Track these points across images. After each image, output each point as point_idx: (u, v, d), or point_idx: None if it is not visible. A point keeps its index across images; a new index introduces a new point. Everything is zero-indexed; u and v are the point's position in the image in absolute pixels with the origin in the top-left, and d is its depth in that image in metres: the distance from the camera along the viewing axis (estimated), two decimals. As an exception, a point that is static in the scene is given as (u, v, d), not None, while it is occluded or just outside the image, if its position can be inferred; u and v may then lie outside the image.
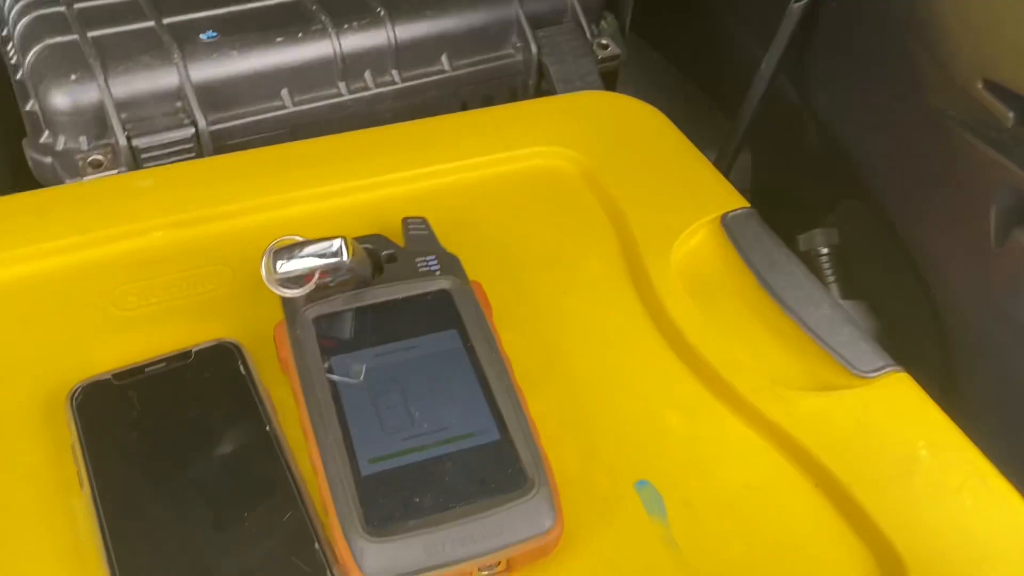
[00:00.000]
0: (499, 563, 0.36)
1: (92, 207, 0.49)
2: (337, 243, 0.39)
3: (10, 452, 0.39)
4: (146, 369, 0.41)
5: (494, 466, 0.37)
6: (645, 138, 0.55)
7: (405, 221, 0.47)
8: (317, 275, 0.39)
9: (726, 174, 0.57)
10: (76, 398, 0.40)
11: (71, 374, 0.41)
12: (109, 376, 0.41)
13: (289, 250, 0.39)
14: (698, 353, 0.44)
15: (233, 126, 0.59)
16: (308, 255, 0.39)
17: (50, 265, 0.46)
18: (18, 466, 0.39)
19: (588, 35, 0.67)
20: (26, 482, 0.38)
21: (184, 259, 0.47)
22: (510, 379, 0.40)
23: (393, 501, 0.36)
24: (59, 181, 0.57)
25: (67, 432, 0.39)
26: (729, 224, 0.49)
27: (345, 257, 0.39)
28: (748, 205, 0.50)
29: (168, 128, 0.57)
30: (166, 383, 0.41)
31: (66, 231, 0.47)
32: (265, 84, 0.60)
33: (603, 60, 0.67)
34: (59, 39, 0.58)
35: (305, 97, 0.61)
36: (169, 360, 0.41)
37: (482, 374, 0.40)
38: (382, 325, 0.41)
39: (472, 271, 0.44)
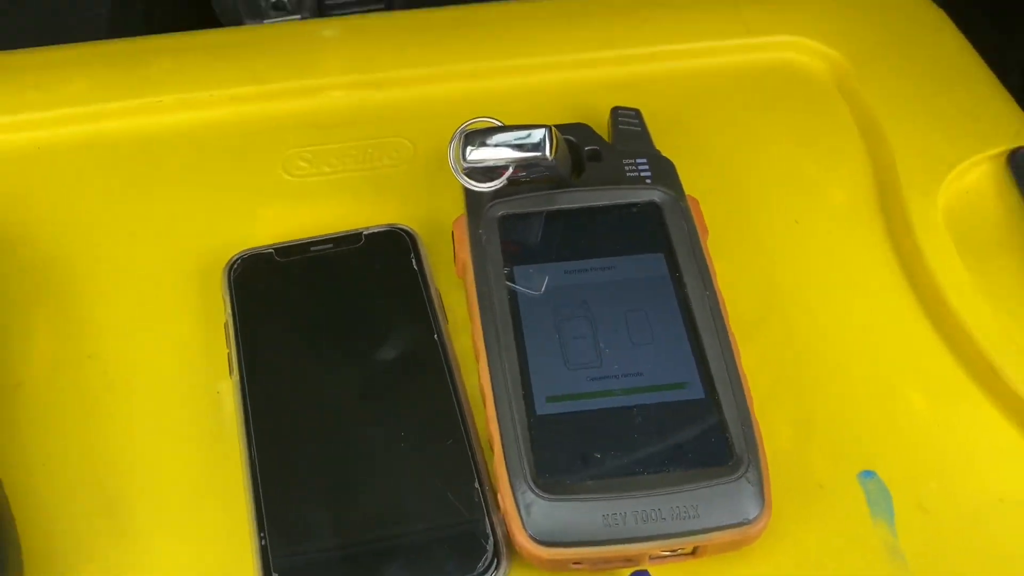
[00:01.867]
0: (685, 547, 0.30)
1: (269, 54, 0.44)
2: (539, 134, 0.32)
3: (163, 322, 0.36)
4: (312, 247, 0.37)
5: (695, 431, 0.31)
6: (921, 42, 0.45)
7: (615, 112, 0.40)
8: (511, 169, 0.33)
9: None
10: (234, 271, 0.36)
11: (230, 237, 0.37)
12: (271, 251, 0.37)
13: (482, 135, 0.33)
14: (960, 323, 0.35)
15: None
16: (504, 144, 0.33)
17: (221, 115, 0.42)
18: (168, 338, 0.36)
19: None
20: (173, 357, 0.35)
21: (363, 126, 0.42)
22: (725, 323, 0.33)
23: (570, 452, 0.30)
24: (240, 22, 0.53)
25: (220, 302, 0.35)
26: (1019, 164, 0.39)
27: (547, 152, 0.32)
28: (1046, 141, 0.40)
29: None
30: (331, 266, 0.36)
31: (240, 78, 0.43)
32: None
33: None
34: None
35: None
36: (337, 241, 0.37)
37: (690, 312, 0.33)
38: (577, 236, 0.35)
39: (688, 184, 0.37)
